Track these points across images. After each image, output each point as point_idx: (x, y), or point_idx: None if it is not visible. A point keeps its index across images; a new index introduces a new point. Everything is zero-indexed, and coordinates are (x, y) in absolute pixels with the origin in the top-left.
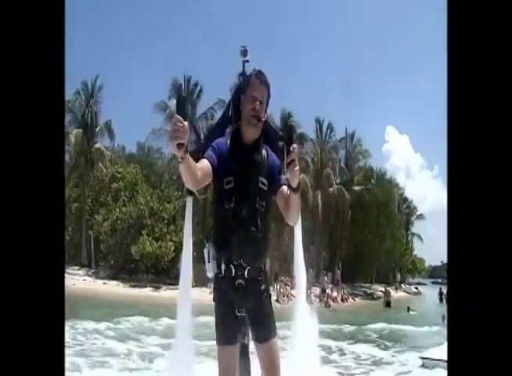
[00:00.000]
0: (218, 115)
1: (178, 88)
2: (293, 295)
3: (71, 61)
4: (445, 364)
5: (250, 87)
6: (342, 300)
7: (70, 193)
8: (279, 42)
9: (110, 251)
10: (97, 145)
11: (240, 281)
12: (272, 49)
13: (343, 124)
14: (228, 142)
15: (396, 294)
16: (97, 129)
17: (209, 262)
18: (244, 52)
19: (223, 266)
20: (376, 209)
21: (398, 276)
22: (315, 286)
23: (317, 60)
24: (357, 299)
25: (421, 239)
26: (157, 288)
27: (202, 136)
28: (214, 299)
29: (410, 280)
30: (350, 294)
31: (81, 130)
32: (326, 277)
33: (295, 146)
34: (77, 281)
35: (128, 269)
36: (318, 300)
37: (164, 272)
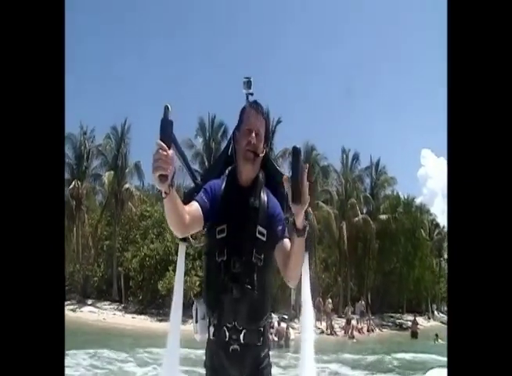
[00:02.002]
0: None
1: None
2: (317, 327)
3: (101, 107)
4: None
5: (244, 120)
6: (368, 331)
7: (103, 231)
8: (296, 74)
9: (139, 286)
10: (126, 185)
11: (235, 347)
12: (294, 82)
13: (374, 150)
14: (224, 184)
15: (429, 324)
16: (127, 170)
17: (197, 322)
18: (248, 84)
19: (214, 329)
20: (403, 237)
21: (434, 306)
22: (341, 317)
23: (340, 85)
24: (385, 330)
25: None
26: (184, 322)
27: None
28: (205, 365)
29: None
30: (378, 325)
31: (112, 172)
32: (350, 308)
33: (305, 174)
34: (107, 316)
35: (155, 304)
36: (343, 331)
37: (190, 307)
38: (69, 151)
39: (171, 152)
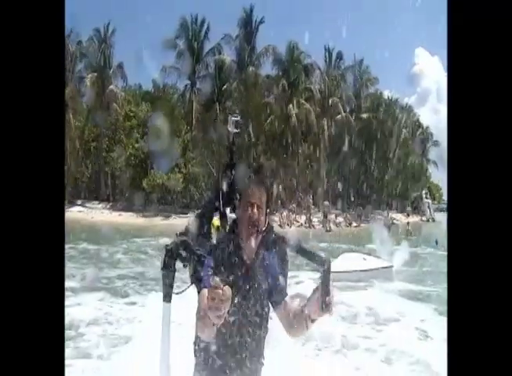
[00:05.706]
0: (225, 51)
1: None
2: (296, 221)
3: (82, 8)
4: None
5: (245, 192)
6: (346, 225)
7: (90, 133)
8: None
9: (125, 184)
10: (111, 86)
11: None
12: None
13: (368, 48)
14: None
15: (406, 220)
16: (110, 72)
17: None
18: (236, 123)
19: None
20: (383, 136)
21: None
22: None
23: None
24: (363, 225)
25: (437, 166)
26: (167, 217)
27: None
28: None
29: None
30: (357, 220)
31: (95, 74)
32: (329, 203)
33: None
34: (95, 214)
35: (141, 201)
36: (321, 225)
37: (174, 203)
38: None
39: (226, 289)
